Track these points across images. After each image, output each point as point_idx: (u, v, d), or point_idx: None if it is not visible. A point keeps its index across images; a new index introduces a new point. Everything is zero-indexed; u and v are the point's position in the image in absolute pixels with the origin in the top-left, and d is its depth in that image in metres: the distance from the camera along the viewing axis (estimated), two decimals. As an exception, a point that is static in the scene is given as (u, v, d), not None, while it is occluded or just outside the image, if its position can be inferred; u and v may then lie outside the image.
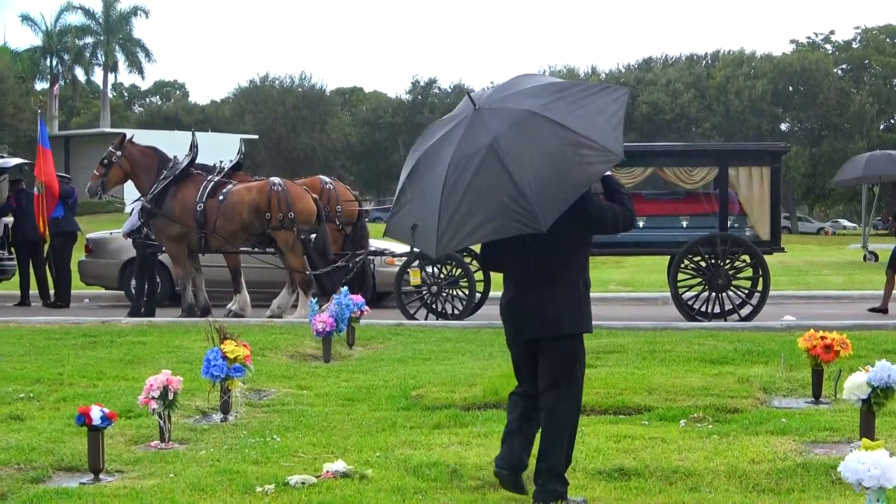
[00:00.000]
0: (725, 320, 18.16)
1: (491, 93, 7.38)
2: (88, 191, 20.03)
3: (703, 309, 18.57)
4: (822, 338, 10.78)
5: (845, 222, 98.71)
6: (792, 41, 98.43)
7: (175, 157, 20.02)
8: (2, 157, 26.67)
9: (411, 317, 18.93)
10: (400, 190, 7.36)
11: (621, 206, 7.54)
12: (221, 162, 20.24)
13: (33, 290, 23.33)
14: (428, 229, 6.93)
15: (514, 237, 7.03)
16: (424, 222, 6.98)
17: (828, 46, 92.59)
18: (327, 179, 21.18)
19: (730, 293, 18.59)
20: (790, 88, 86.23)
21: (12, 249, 24.33)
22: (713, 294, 18.49)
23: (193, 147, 19.93)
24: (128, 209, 21.01)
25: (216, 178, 19.53)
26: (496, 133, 6.90)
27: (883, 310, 19.34)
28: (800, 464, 8.12)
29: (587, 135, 6.91)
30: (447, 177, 6.90)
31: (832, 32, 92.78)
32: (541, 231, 6.71)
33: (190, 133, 21.09)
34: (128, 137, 20.74)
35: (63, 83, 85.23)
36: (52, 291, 23.14)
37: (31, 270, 23.37)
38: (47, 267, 23.18)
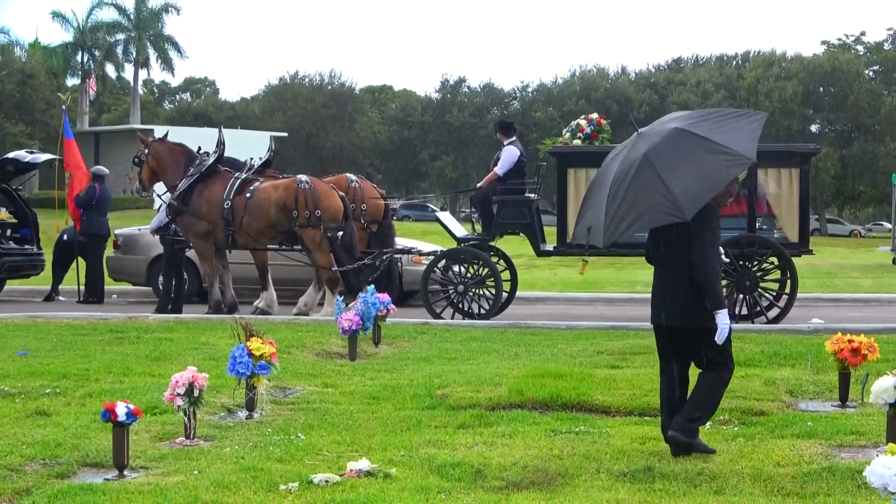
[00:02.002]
0: (753, 322, 18.09)
1: (651, 125, 9.05)
2: (134, 190, 20.26)
3: (731, 311, 18.48)
4: (850, 341, 10.73)
5: (887, 224, 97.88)
6: (823, 42, 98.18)
7: (203, 151, 20.05)
8: (32, 152, 26.74)
9: (437, 316, 18.92)
10: (581, 206, 9.22)
11: (714, 272, 8.53)
12: (252, 159, 20.30)
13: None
14: (598, 227, 8.49)
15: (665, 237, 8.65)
16: (596, 223, 8.54)
17: (859, 47, 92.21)
18: (354, 178, 21.18)
19: (757, 295, 18.51)
20: (821, 90, 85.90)
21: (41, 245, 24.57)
22: (740, 296, 18.42)
23: (220, 144, 19.97)
24: (156, 206, 21.09)
25: (243, 176, 19.57)
26: (650, 146, 8.46)
27: None
28: (825, 468, 8.08)
29: (724, 143, 8.39)
30: (612, 184, 8.45)
31: (863, 33, 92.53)
32: (685, 220, 8.17)
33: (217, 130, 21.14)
34: (161, 134, 20.87)
35: (95, 81, 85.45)
36: (82, 288, 23.30)
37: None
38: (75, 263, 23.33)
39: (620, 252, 20.00)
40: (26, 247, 24.67)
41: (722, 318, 8.41)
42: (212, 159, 19.75)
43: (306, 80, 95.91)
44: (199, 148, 20.25)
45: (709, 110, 9.06)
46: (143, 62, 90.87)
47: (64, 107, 27.73)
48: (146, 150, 20.14)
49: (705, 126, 8.58)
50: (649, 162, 8.33)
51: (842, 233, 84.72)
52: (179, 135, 22.35)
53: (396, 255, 20.95)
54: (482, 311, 19.15)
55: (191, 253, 20.69)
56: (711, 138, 8.40)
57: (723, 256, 8.89)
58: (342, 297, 15.58)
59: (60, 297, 23.73)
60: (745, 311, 18.42)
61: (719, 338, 8.42)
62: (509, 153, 19.53)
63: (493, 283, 19.20)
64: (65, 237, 24.01)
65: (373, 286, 15.59)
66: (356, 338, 14.31)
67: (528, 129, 78.40)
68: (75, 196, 23.65)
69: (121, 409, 8.13)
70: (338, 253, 19.10)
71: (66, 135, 24.73)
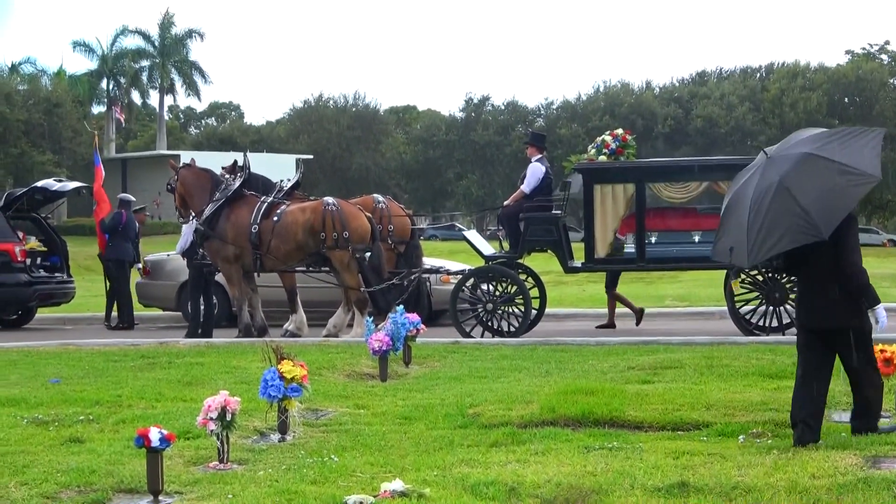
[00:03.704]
0: (784, 334, 18.03)
1: (777, 147, 9.87)
2: (176, 218, 20.40)
3: (761, 323, 18.45)
4: (882, 351, 10.65)
5: None
6: (847, 52, 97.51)
7: (227, 175, 20.10)
8: (60, 181, 26.90)
9: (467, 335, 18.91)
10: (720, 225, 9.98)
11: (862, 272, 9.48)
12: (282, 181, 20.37)
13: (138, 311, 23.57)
14: (740, 248, 9.37)
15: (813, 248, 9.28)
16: (738, 244, 9.41)
17: (883, 56, 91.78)
18: (380, 198, 21.23)
19: (788, 307, 18.45)
20: (846, 100, 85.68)
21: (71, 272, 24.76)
22: (770, 308, 18.37)
23: (245, 168, 20.04)
24: (183, 229, 21.19)
25: (269, 199, 19.62)
26: (783, 172, 9.30)
27: None
28: (861, 479, 8.04)
29: (850, 164, 9.24)
30: (750, 208, 9.30)
31: (887, 42, 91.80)
32: (823, 239, 9.03)
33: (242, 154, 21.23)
34: (188, 160, 21.00)
35: (122, 108, 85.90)
36: (114, 314, 23.39)
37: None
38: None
39: (649, 267, 20.02)
40: (56, 275, 24.81)
41: (880, 311, 9.49)
42: (237, 183, 19.80)
43: (331, 102, 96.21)
44: (227, 177, 20.20)
45: (831, 131, 9.96)
46: (168, 88, 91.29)
47: (96, 133, 27.92)
48: (175, 177, 20.26)
49: (831, 148, 9.42)
50: (784, 187, 9.20)
51: (875, 242, 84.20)
52: (205, 160, 22.43)
53: (425, 275, 20.98)
54: (512, 329, 19.13)
55: (219, 277, 20.74)
56: (839, 160, 9.27)
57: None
58: (372, 318, 15.60)
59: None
60: (775, 323, 18.37)
61: (880, 327, 9.49)
62: (535, 170, 19.54)
63: (522, 301, 19.18)
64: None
65: (402, 306, 15.59)
66: (387, 358, 14.31)
67: (553, 146, 78.32)
68: (100, 221, 23.83)
69: (154, 435, 8.15)
70: (366, 274, 19.13)
71: (96, 163, 24.93)
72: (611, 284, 20.99)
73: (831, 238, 9.11)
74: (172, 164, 20.67)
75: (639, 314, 20.84)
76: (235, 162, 20.57)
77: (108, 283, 23.67)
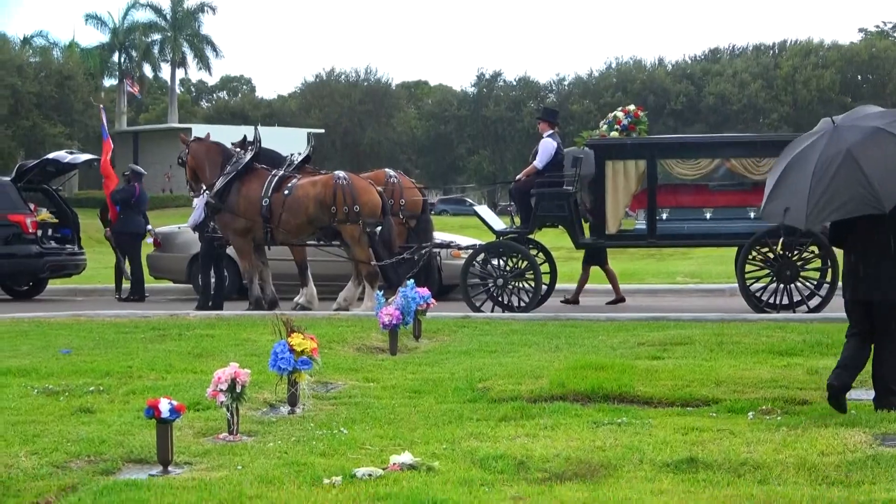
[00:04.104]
0: (794, 312, 18.02)
1: (843, 117, 10.17)
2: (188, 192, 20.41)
3: (772, 300, 18.44)
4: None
5: None
6: (860, 30, 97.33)
7: (238, 150, 20.09)
8: (72, 153, 26.93)
9: (477, 309, 18.92)
10: (773, 186, 10.19)
11: None
12: (292, 154, 20.37)
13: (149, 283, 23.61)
14: (797, 211, 9.68)
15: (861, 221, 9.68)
16: (795, 206, 9.70)
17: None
18: (392, 173, 21.24)
19: (798, 284, 18.43)
20: (859, 77, 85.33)
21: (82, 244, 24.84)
22: (781, 285, 18.35)
23: (256, 142, 20.03)
24: (194, 203, 21.23)
25: (281, 173, 19.62)
26: (853, 142, 9.57)
27: None
28: (870, 456, 8.04)
29: None
30: (814, 173, 9.55)
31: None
32: (883, 212, 9.37)
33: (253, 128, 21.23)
34: (202, 134, 21.03)
35: (135, 81, 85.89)
36: (126, 286, 23.43)
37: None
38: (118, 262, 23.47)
39: (660, 243, 20.03)
40: (67, 246, 24.87)
41: None
42: (248, 157, 19.80)
43: (342, 76, 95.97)
44: (238, 151, 20.18)
45: None
46: (179, 62, 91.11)
47: (102, 107, 27.90)
48: (186, 151, 20.27)
49: None
50: (853, 157, 9.46)
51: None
52: (217, 133, 22.41)
53: (435, 250, 20.98)
54: (522, 304, 19.13)
55: (230, 250, 20.76)
56: None
57: None
58: (382, 292, 15.61)
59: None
60: (785, 300, 18.36)
61: None
62: (547, 146, 19.52)
63: (533, 276, 19.18)
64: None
65: (412, 280, 15.60)
66: (397, 332, 14.32)
67: (565, 122, 78.11)
68: (112, 192, 23.79)
69: (164, 406, 8.17)
70: (377, 248, 19.14)
71: (104, 136, 24.94)
72: (593, 260, 20.99)
73: (890, 213, 9.44)
74: (183, 138, 20.70)
75: (620, 298, 20.98)
76: (245, 137, 20.57)
77: (117, 256, 23.71)
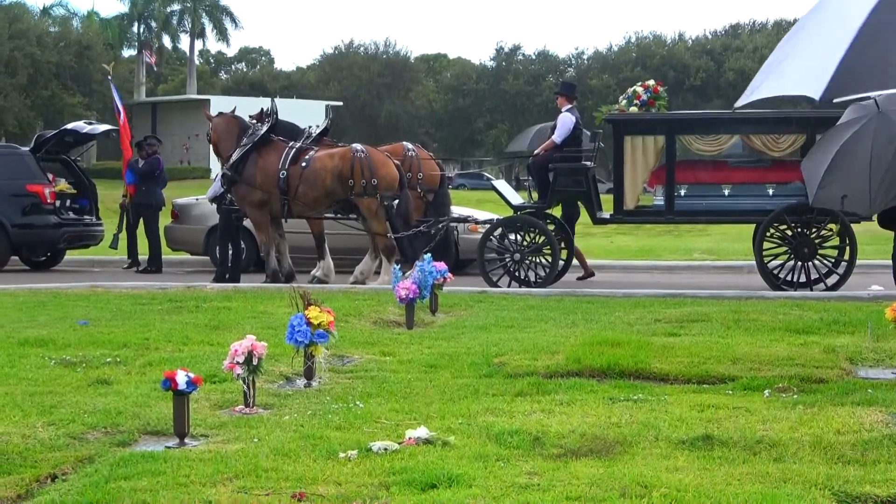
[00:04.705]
0: (811, 290, 17.98)
1: (884, 100, 10.16)
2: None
3: (789, 278, 18.40)
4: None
5: None
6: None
7: (254, 122, 20.10)
8: (90, 123, 26.95)
9: (494, 284, 18.91)
10: (825, 172, 10.20)
11: None
12: (310, 127, 20.37)
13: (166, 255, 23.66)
14: (857, 197, 9.92)
15: None
16: (854, 193, 9.89)
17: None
18: (410, 146, 21.22)
19: (816, 262, 18.39)
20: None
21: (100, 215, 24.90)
22: (799, 263, 18.31)
23: (273, 114, 20.02)
24: (212, 175, 21.30)
25: (298, 145, 19.61)
26: None
27: None
28: (886, 435, 8.02)
29: None
30: (871, 160, 9.62)
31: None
32: None
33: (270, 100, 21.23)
34: (221, 107, 21.05)
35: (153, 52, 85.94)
36: (144, 257, 23.47)
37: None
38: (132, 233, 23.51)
39: (677, 220, 20.00)
40: (85, 217, 24.93)
41: None
42: (264, 129, 19.79)
43: (361, 49, 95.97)
44: (255, 124, 20.18)
45: None
46: (198, 33, 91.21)
47: (110, 76, 27.89)
48: (210, 125, 20.36)
49: None
50: None
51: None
52: (237, 105, 22.41)
53: (452, 224, 20.96)
54: (539, 280, 19.12)
55: (248, 222, 20.77)
56: None
57: None
58: (399, 266, 15.60)
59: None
60: (803, 278, 18.32)
61: None
62: (565, 120, 19.49)
63: (550, 251, 19.16)
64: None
65: (429, 255, 15.60)
66: (413, 306, 14.32)
67: (583, 97, 78.04)
68: (134, 163, 23.71)
69: (181, 378, 8.18)
70: (394, 221, 19.13)
71: (116, 103, 24.95)
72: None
73: None
74: (207, 114, 20.72)
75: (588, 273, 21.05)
76: (262, 110, 20.57)
77: (128, 224, 23.77)
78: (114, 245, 24.44)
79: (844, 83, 8.62)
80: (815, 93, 8.78)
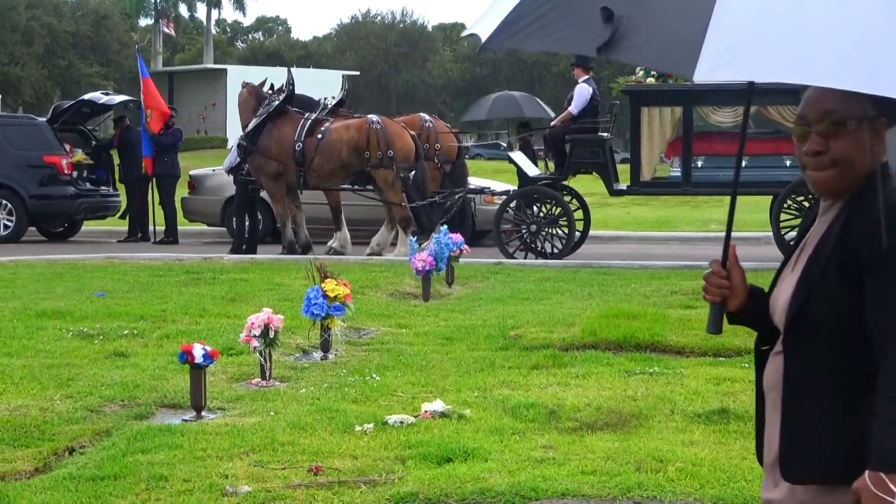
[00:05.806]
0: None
1: None
2: None
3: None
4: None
5: None
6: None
7: (269, 92, 20.07)
8: (107, 94, 26.97)
9: (510, 256, 18.90)
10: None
11: None
12: (325, 98, 20.34)
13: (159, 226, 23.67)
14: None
15: None
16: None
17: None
18: (427, 117, 21.19)
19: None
20: None
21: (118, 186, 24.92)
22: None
23: (289, 84, 19.99)
24: (229, 145, 21.32)
25: (314, 116, 19.59)
26: None
27: None
28: None
29: None
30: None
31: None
32: None
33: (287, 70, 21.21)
34: (257, 81, 21.03)
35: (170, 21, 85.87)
36: (161, 228, 23.45)
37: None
38: (158, 204, 23.49)
39: (695, 191, 19.95)
40: (102, 188, 24.97)
41: None
42: (279, 99, 19.78)
43: (378, 18, 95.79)
44: (271, 94, 20.15)
45: None
46: (215, 2, 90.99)
47: (138, 47, 27.85)
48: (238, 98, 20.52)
49: None
50: None
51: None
52: (253, 74, 22.41)
53: (469, 195, 20.95)
54: (555, 251, 19.11)
55: (264, 193, 20.77)
56: None
57: None
58: (416, 238, 15.60)
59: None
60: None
61: None
62: (582, 91, 19.42)
63: (566, 223, 19.13)
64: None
65: (446, 226, 15.59)
66: (430, 278, 14.33)
67: (600, 67, 77.77)
68: (160, 136, 23.45)
69: (198, 351, 8.20)
70: (410, 193, 19.11)
71: (143, 74, 24.91)
72: None
73: None
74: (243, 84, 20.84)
75: None
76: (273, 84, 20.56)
77: (143, 198, 23.79)
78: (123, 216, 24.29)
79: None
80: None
